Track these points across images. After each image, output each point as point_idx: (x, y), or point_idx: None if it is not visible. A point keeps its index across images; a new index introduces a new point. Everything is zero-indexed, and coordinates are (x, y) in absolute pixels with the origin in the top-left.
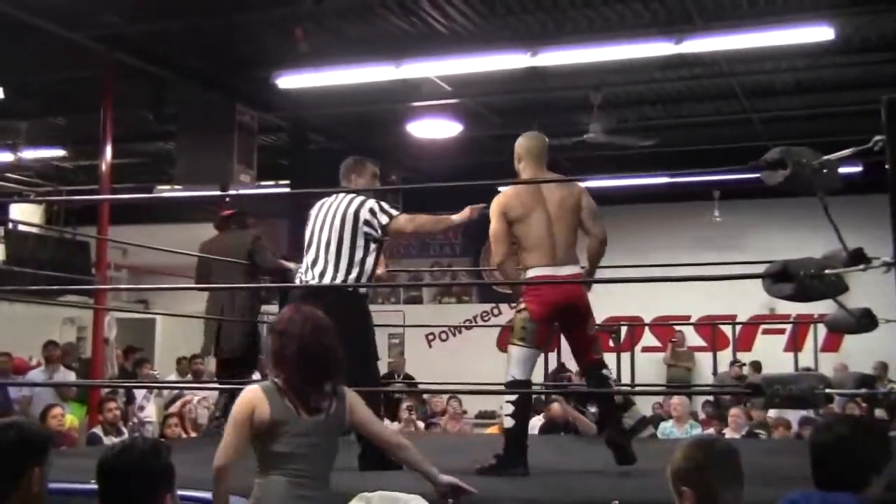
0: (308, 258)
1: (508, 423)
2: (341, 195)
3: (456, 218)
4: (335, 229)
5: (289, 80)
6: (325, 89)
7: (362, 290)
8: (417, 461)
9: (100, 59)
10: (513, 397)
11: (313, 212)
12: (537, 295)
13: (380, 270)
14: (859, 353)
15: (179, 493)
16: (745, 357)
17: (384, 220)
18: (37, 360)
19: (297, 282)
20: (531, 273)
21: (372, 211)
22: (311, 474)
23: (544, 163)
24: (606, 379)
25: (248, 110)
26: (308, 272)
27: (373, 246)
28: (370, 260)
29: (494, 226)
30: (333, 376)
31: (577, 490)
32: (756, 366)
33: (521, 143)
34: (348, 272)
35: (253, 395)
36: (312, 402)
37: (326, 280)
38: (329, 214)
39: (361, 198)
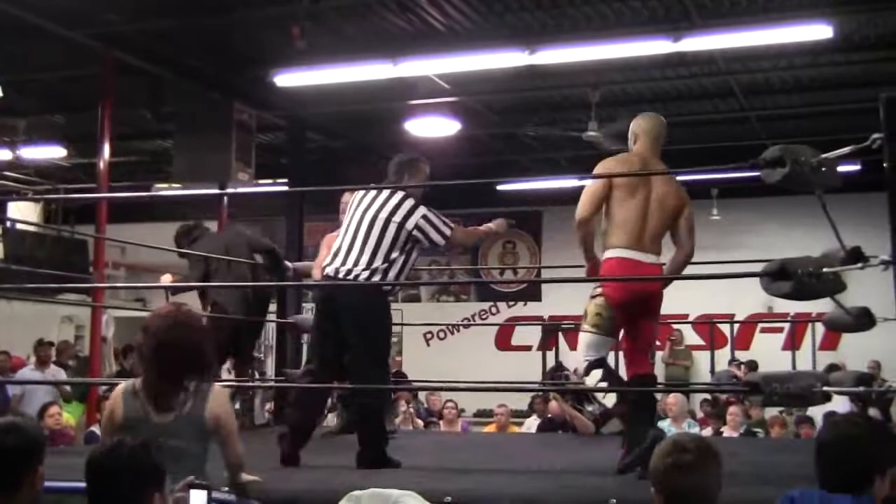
0: (339, 248)
1: (609, 401)
2: (385, 192)
3: (492, 226)
4: (376, 226)
5: (287, 79)
6: (323, 87)
7: (386, 288)
8: (235, 481)
9: (98, 57)
10: (597, 376)
11: (353, 204)
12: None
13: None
14: (857, 351)
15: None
16: (743, 356)
17: (443, 235)
18: (35, 359)
19: (320, 274)
20: (612, 253)
21: (427, 218)
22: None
23: (660, 147)
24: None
25: (247, 109)
26: (333, 263)
27: (413, 249)
28: (403, 260)
29: (595, 185)
30: (193, 374)
31: (574, 489)
32: (751, 365)
33: (639, 123)
34: (377, 269)
35: (113, 395)
36: (165, 401)
37: (350, 273)
38: (369, 210)
39: (411, 200)
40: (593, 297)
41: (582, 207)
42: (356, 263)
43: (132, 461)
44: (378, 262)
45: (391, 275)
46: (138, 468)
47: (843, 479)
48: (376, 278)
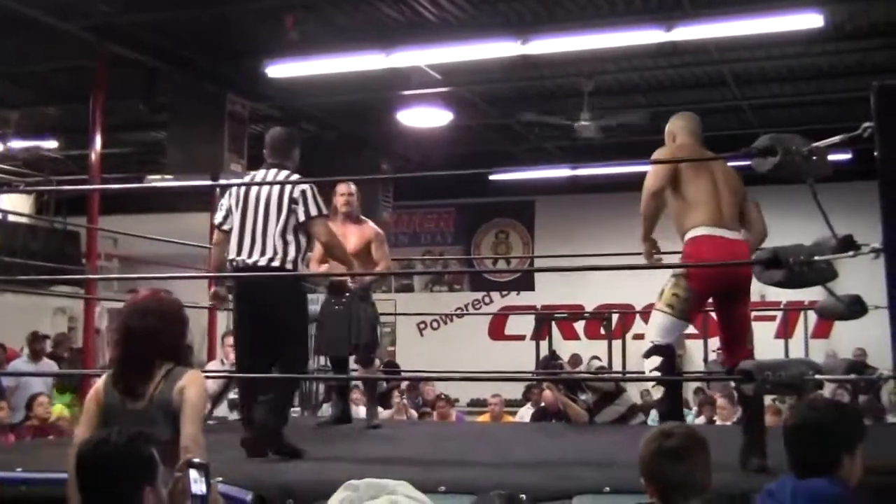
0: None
1: (657, 393)
2: (273, 171)
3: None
4: (270, 210)
5: (279, 69)
6: (315, 78)
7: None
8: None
9: (91, 48)
10: (655, 362)
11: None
12: (700, 260)
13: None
14: (849, 339)
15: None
16: None
17: (312, 210)
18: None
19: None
20: (695, 232)
21: (304, 194)
22: None
23: (700, 139)
24: (760, 398)
25: (239, 99)
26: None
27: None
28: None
29: (658, 167)
30: (161, 359)
31: (569, 477)
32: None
33: (675, 123)
34: (275, 253)
35: (96, 385)
36: (133, 387)
37: (260, 261)
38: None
39: (295, 176)
40: (676, 275)
41: (651, 181)
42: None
43: (120, 455)
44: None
45: (292, 259)
46: (127, 461)
47: (812, 462)
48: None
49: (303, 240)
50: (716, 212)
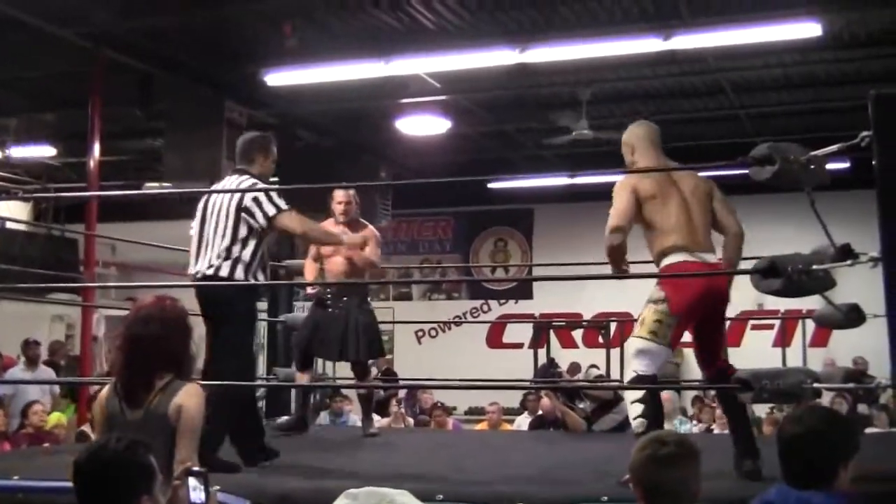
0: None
1: (639, 426)
2: (234, 177)
3: (346, 240)
4: (220, 218)
5: (277, 77)
6: (313, 86)
7: (242, 280)
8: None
9: (88, 55)
10: (638, 395)
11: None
12: (680, 285)
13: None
14: (847, 348)
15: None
16: (733, 352)
17: (270, 211)
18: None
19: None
20: (671, 259)
21: (256, 200)
22: None
23: (661, 149)
24: (742, 404)
25: (237, 107)
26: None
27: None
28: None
29: (621, 200)
30: (163, 369)
31: (566, 486)
32: None
33: (633, 132)
34: (219, 262)
35: (102, 393)
36: (136, 396)
37: (206, 271)
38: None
39: (250, 182)
40: (655, 301)
41: (614, 219)
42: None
43: (116, 463)
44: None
45: (243, 267)
46: (125, 468)
47: (809, 473)
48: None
49: (253, 249)
50: (689, 236)
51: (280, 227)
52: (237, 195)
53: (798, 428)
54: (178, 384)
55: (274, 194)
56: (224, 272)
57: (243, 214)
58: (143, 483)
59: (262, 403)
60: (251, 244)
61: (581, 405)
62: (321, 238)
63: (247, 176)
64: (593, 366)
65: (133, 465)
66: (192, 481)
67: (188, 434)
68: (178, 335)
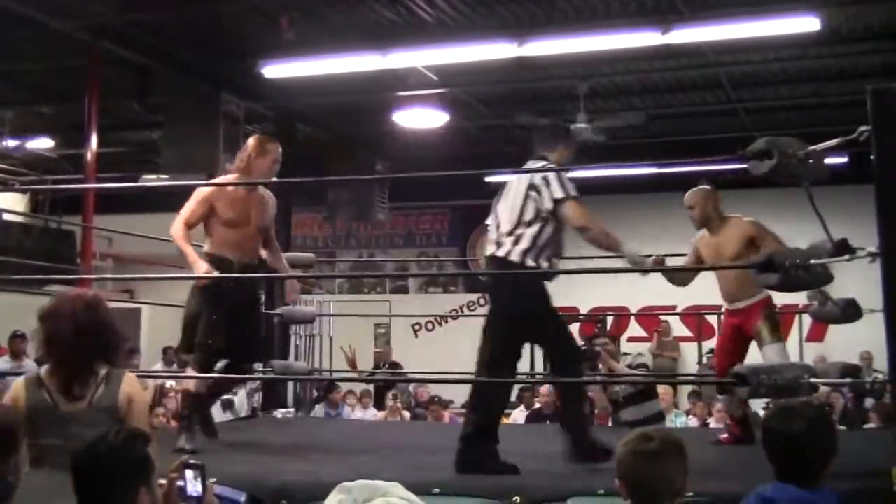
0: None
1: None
2: (529, 163)
3: (625, 251)
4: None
5: (275, 70)
6: (311, 79)
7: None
8: None
9: (86, 48)
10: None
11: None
12: None
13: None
14: (844, 343)
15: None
16: None
17: (558, 193)
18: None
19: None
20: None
21: (546, 179)
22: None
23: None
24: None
25: (234, 99)
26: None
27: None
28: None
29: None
30: (105, 358)
31: (563, 479)
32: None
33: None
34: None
35: (13, 386)
36: (75, 388)
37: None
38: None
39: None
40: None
41: None
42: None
43: (116, 454)
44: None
45: (533, 252)
46: (121, 462)
47: (800, 470)
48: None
49: (539, 231)
50: None
51: (562, 215)
52: (528, 176)
53: (789, 426)
54: (118, 374)
55: (566, 178)
56: (508, 255)
57: (531, 193)
58: (141, 476)
59: (258, 396)
60: (540, 225)
61: (616, 388)
62: (600, 239)
63: (545, 162)
64: (640, 354)
65: (131, 458)
66: (189, 473)
67: (141, 420)
68: (111, 326)
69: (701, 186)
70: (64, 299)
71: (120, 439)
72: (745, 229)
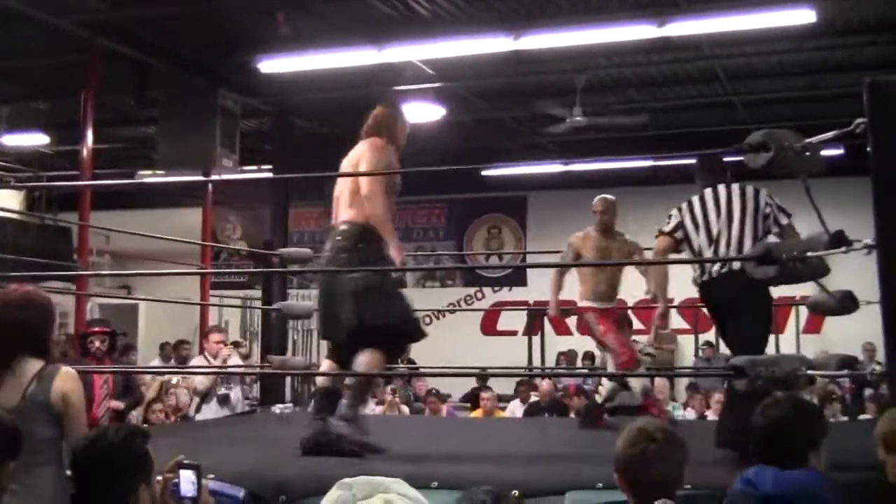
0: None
1: None
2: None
3: None
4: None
5: (272, 65)
6: (308, 74)
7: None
8: None
9: (82, 44)
10: None
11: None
12: None
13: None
14: (841, 335)
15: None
16: None
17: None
18: None
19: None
20: None
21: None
22: None
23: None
24: None
25: (231, 95)
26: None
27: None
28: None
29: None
30: (25, 354)
31: (561, 473)
32: (711, 345)
33: None
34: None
35: None
36: (3, 384)
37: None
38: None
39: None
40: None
41: None
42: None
43: (118, 451)
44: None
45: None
46: (121, 458)
47: (779, 459)
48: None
49: None
50: None
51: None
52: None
53: (768, 417)
54: (52, 369)
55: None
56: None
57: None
58: (141, 471)
59: (255, 391)
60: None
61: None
62: None
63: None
64: (644, 346)
65: (133, 454)
66: (184, 474)
67: (79, 417)
68: (40, 320)
69: (609, 195)
70: None
71: (120, 436)
72: (632, 249)
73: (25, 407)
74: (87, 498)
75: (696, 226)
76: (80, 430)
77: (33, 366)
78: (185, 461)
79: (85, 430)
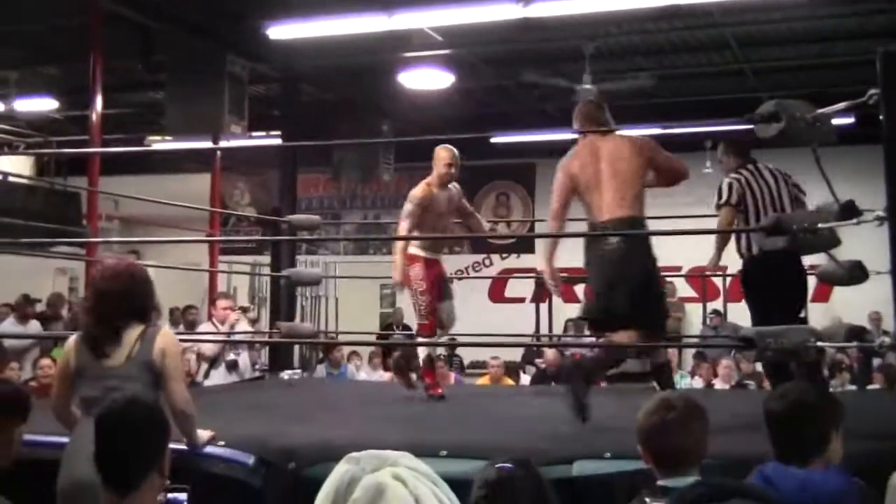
0: None
1: None
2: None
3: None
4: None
5: (280, 31)
6: (316, 40)
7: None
8: (185, 433)
9: (88, 7)
10: None
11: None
12: None
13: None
14: (849, 304)
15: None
16: (735, 308)
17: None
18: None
19: None
20: None
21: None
22: None
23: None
24: None
25: (239, 60)
26: None
27: None
28: None
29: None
30: (130, 319)
31: (569, 442)
32: (719, 314)
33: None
34: None
35: (67, 345)
36: (104, 346)
37: None
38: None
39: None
40: None
41: None
42: None
43: (150, 417)
44: None
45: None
46: (155, 423)
47: (799, 447)
48: None
49: None
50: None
51: None
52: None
53: (785, 405)
54: (153, 331)
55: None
56: None
57: None
58: (168, 436)
59: (264, 357)
60: None
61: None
62: None
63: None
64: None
65: (163, 420)
66: (171, 497)
67: (177, 375)
68: (143, 289)
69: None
70: (98, 268)
71: (151, 401)
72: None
73: (130, 367)
74: (114, 460)
75: (756, 201)
76: (178, 388)
77: (137, 329)
78: (170, 495)
79: (182, 391)
